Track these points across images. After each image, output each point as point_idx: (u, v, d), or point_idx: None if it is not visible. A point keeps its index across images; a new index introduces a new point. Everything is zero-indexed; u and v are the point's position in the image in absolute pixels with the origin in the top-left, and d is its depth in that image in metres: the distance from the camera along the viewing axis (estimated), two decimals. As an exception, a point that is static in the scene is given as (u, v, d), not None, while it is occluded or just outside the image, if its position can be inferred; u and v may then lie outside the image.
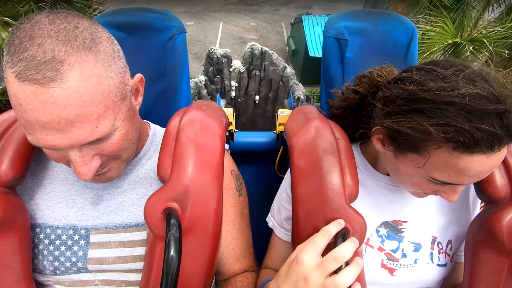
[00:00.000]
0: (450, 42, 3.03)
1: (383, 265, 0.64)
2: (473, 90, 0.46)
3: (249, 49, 3.51)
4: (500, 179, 0.57)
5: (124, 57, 0.52)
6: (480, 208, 0.69)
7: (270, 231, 0.73)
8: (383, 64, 0.66)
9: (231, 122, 0.86)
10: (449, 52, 3.15)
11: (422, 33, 3.11)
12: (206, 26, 8.92)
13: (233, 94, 3.68)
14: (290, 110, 0.87)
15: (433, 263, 0.65)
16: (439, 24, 3.03)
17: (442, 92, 0.47)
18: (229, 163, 0.69)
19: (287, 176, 0.72)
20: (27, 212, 0.56)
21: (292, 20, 7.40)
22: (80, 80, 0.42)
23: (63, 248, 0.57)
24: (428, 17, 3.18)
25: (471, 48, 2.87)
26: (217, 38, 8.33)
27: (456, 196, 0.54)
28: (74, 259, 0.57)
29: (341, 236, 0.49)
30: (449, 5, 3.15)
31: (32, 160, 0.58)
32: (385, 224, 0.66)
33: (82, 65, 0.42)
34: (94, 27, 0.46)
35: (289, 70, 3.60)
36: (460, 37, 3.05)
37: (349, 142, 0.62)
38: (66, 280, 0.58)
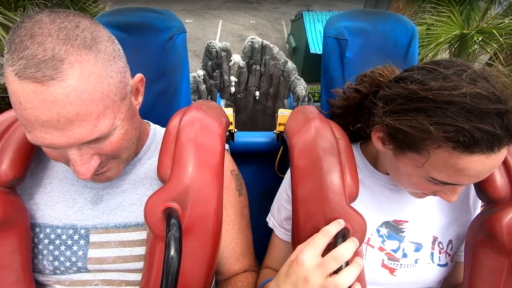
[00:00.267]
0: (457, 33, 2.94)
1: (383, 265, 0.64)
2: (474, 89, 0.45)
3: (249, 43, 3.39)
4: (500, 179, 0.57)
5: (125, 57, 0.52)
6: (481, 208, 0.69)
7: (270, 231, 0.73)
8: (384, 64, 0.66)
9: (231, 122, 0.86)
10: (455, 46, 3.07)
11: (428, 25, 3.04)
12: (206, 23, 8.90)
13: (233, 89, 3.59)
14: (290, 110, 0.87)
15: (433, 263, 0.65)
16: (447, 14, 2.94)
17: (443, 91, 0.47)
18: (229, 163, 0.69)
19: (287, 176, 0.72)
20: (27, 212, 0.56)
21: (293, 17, 7.37)
22: (80, 79, 0.42)
23: (62, 247, 0.57)
24: (432, 10, 3.09)
25: (480, 38, 2.78)
26: (217, 36, 8.32)
27: (455, 197, 0.54)
28: (74, 259, 0.57)
29: (341, 236, 0.49)
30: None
31: (32, 160, 0.58)
32: (386, 224, 0.66)
33: (82, 64, 0.42)
34: (95, 26, 0.46)
35: (290, 64, 3.49)
36: (467, 29, 2.96)
37: (349, 142, 0.62)
38: (66, 280, 0.58)
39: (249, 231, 0.70)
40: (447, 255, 0.66)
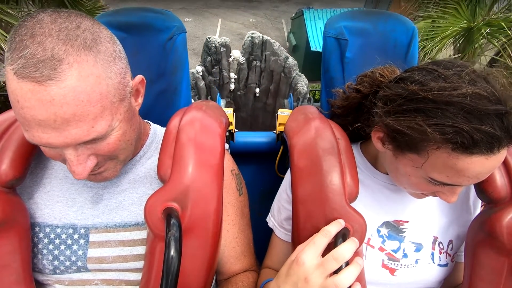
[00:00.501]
0: (464, 25, 2.88)
1: (383, 265, 0.64)
2: (473, 90, 0.45)
3: (249, 38, 3.28)
4: (500, 179, 0.57)
5: (126, 58, 0.52)
6: (481, 208, 0.69)
7: (270, 231, 0.73)
8: (384, 64, 0.67)
9: (231, 122, 0.86)
10: (460, 41, 3.02)
11: (432, 20, 2.99)
12: (205, 22, 8.88)
13: (232, 86, 3.48)
14: (290, 110, 0.87)
15: (434, 263, 0.65)
16: (454, 6, 2.88)
17: (442, 92, 0.47)
18: (229, 163, 0.69)
19: (287, 176, 0.72)
20: (27, 212, 0.56)
21: (293, 15, 7.32)
22: (78, 79, 0.42)
23: (62, 247, 0.57)
24: (438, 3, 3.02)
25: (487, 30, 2.72)
26: (216, 34, 8.31)
27: (454, 197, 0.54)
28: (73, 258, 0.57)
29: (341, 236, 0.49)
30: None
31: (32, 160, 0.58)
32: (386, 224, 0.66)
33: (81, 64, 0.42)
34: (96, 27, 0.46)
35: (291, 60, 3.38)
36: (473, 23, 2.91)
37: (349, 142, 0.62)
38: (65, 279, 0.58)
39: (250, 231, 0.70)
40: (447, 255, 0.66)
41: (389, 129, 0.53)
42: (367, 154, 0.69)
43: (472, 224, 0.62)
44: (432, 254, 0.66)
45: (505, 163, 0.58)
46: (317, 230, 0.51)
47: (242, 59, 3.35)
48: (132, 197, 0.60)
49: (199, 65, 3.43)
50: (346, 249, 0.47)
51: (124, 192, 0.61)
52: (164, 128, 0.68)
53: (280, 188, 0.73)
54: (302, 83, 3.36)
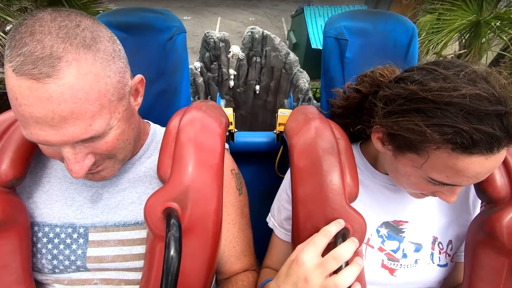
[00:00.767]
0: (473, 19, 2.81)
1: (383, 265, 0.64)
2: (473, 90, 0.45)
3: (249, 33, 3.17)
4: (500, 179, 0.57)
5: (126, 58, 0.52)
6: (481, 208, 0.69)
7: (270, 231, 0.73)
8: (385, 64, 0.67)
9: (231, 122, 0.86)
10: (466, 36, 2.97)
11: (439, 13, 2.95)
12: (204, 20, 8.84)
13: (232, 83, 3.37)
14: (290, 110, 0.87)
15: (433, 263, 0.65)
16: None
17: (442, 92, 0.47)
18: (229, 162, 0.69)
19: (287, 176, 0.72)
20: (27, 212, 0.56)
21: (293, 13, 7.27)
22: (76, 77, 0.42)
23: (61, 246, 0.57)
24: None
25: (497, 23, 2.66)
26: (215, 33, 8.28)
27: (454, 197, 0.54)
28: (73, 258, 0.57)
29: (341, 236, 0.49)
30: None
31: (32, 160, 0.58)
32: (386, 224, 0.66)
33: (80, 62, 0.42)
34: (96, 26, 0.47)
35: (293, 56, 3.26)
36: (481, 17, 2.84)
37: (349, 142, 0.62)
38: (65, 279, 0.58)
39: (250, 230, 0.70)
40: (447, 255, 0.66)
41: (389, 129, 0.53)
42: (367, 154, 0.69)
43: (472, 224, 0.62)
44: (432, 254, 0.66)
45: (505, 163, 0.58)
46: (317, 230, 0.51)
47: (241, 55, 3.25)
48: (131, 197, 0.60)
49: (197, 61, 3.32)
50: (346, 249, 0.47)
51: (123, 191, 0.61)
52: (164, 128, 0.68)
53: (280, 188, 0.73)
54: (304, 80, 3.25)
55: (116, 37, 0.51)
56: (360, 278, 0.51)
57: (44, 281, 0.59)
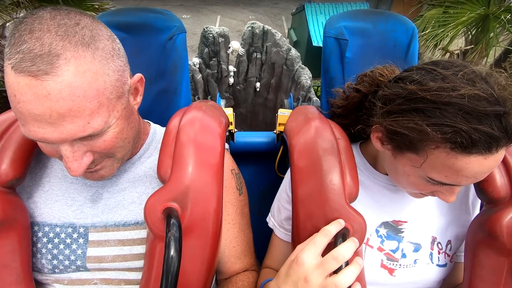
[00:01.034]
0: (482, 12, 2.72)
1: (382, 265, 0.64)
2: (472, 91, 0.46)
3: (249, 28, 3.05)
4: (500, 179, 0.57)
5: (126, 57, 0.53)
6: (480, 208, 0.69)
7: (270, 231, 0.73)
8: (385, 64, 0.67)
9: (231, 122, 0.86)
10: (473, 31, 2.91)
11: (446, 7, 2.89)
12: (203, 19, 8.78)
13: (231, 80, 3.26)
14: (290, 110, 0.87)
15: (432, 263, 0.65)
16: None
17: (441, 92, 0.47)
18: (229, 162, 0.69)
19: (287, 176, 0.72)
20: (27, 212, 0.56)
21: (293, 11, 7.23)
22: (75, 75, 0.42)
23: (61, 246, 0.57)
24: None
25: (508, 16, 2.57)
26: (215, 32, 8.25)
27: (453, 197, 0.54)
28: (72, 258, 0.57)
29: (341, 236, 0.49)
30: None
31: (32, 160, 0.58)
32: (385, 224, 0.66)
33: (79, 60, 0.42)
34: (96, 25, 0.47)
35: (294, 52, 3.15)
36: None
37: (349, 142, 0.62)
38: (65, 279, 0.58)
39: (250, 230, 0.70)
40: (446, 255, 0.66)
41: (388, 128, 0.53)
42: (366, 154, 0.69)
43: (471, 224, 0.62)
44: (431, 254, 0.66)
45: (504, 163, 0.58)
46: (317, 230, 0.51)
47: (241, 50, 3.13)
48: (131, 196, 0.60)
49: (196, 56, 3.20)
50: (346, 249, 0.47)
51: (123, 191, 0.61)
52: (164, 128, 0.68)
53: (280, 188, 0.73)
54: (306, 76, 3.14)
55: (115, 36, 0.51)
56: (360, 278, 0.51)
57: (44, 281, 0.59)
